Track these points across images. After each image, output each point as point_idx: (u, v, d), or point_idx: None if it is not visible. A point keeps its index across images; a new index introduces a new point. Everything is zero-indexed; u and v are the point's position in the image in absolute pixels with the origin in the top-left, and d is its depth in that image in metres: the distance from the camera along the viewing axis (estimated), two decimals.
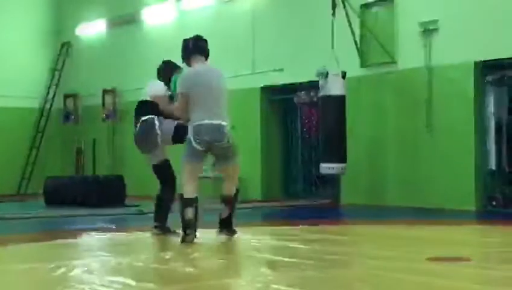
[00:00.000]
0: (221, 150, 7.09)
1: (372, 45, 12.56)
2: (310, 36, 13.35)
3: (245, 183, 14.56)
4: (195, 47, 7.44)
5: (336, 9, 12.09)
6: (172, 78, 7.75)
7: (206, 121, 7.00)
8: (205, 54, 7.46)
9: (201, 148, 7.05)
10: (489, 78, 11.40)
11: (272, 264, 5.83)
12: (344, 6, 12.28)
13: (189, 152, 7.14)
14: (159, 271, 5.44)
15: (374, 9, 12.62)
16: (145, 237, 8.01)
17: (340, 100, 11.96)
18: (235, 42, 15.02)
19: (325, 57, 11.90)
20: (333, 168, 11.88)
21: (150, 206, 11.94)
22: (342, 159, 11.92)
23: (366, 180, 12.60)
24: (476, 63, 11.30)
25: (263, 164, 14.45)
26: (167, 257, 6.16)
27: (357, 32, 12.57)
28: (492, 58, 11.14)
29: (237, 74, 14.42)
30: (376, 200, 12.31)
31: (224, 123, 7.03)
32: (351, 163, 12.05)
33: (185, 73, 7.42)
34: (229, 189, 7.34)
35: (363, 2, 12.59)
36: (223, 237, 7.35)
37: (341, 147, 11.92)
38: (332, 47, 11.87)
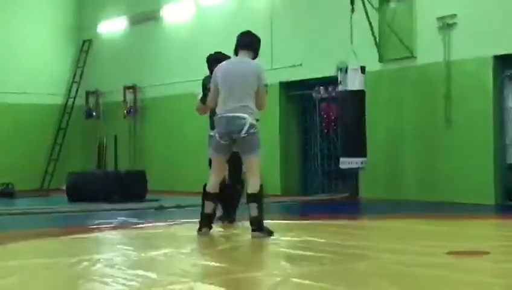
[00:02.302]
0: (240, 142, 6.96)
1: (391, 40, 12.49)
2: (329, 31, 13.30)
3: (264, 178, 14.52)
4: (240, 42, 7.36)
5: (355, 5, 12.05)
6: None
7: (225, 114, 6.98)
8: (250, 48, 7.31)
9: (223, 142, 7.00)
10: (507, 72, 11.31)
11: (291, 258, 5.83)
12: (363, 2, 12.23)
13: (213, 145, 7.15)
14: (180, 265, 5.46)
15: (393, 4, 12.55)
16: (166, 231, 8.04)
17: (360, 95, 11.92)
18: None
19: (344, 52, 11.86)
20: (353, 162, 11.85)
21: (171, 201, 12.08)
22: (362, 153, 11.88)
23: (385, 174, 12.56)
24: (494, 58, 11.21)
25: (282, 159, 14.44)
26: (187, 250, 6.17)
27: (376, 27, 12.51)
28: (510, 52, 11.04)
29: None
30: (395, 194, 12.26)
31: (243, 115, 6.90)
32: (371, 157, 12.01)
33: (217, 67, 7.33)
34: (252, 186, 7.00)
35: None
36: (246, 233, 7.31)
37: (360, 141, 11.88)
38: (351, 42, 11.83)
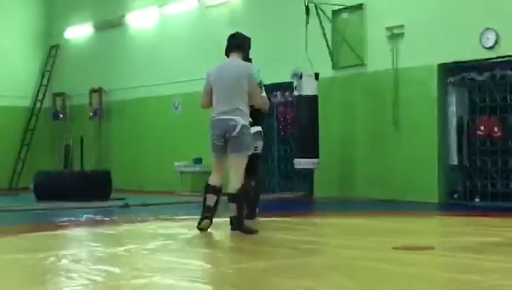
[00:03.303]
0: (231, 141, 6.82)
1: (343, 48, 12.61)
2: (285, 40, 13.36)
3: (224, 177, 14.58)
4: (230, 43, 7.20)
5: (309, 15, 12.12)
6: None
7: (217, 117, 6.90)
8: (240, 48, 7.14)
9: (218, 143, 6.92)
10: (451, 79, 11.49)
11: (247, 252, 5.85)
12: (317, 12, 12.32)
13: (211, 146, 7.07)
14: (144, 260, 5.42)
15: (345, 15, 12.66)
16: (131, 228, 7.98)
17: (313, 100, 12.00)
18: (215, 44, 14.96)
19: (300, 60, 11.92)
20: (305, 163, 11.92)
21: (136, 200, 12.00)
22: (315, 154, 11.96)
23: (337, 174, 12.66)
24: (439, 66, 11.38)
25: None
26: (152, 247, 6.13)
27: (329, 36, 12.61)
28: (454, 60, 11.24)
29: None
30: (347, 193, 12.37)
31: (234, 118, 6.77)
32: (324, 158, 12.09)
33: (210, 69, 7.22)
34: (232, 186, 6.83)
35: (334, 8, 12.62)
36: (205, 228, 7.27)
37: (314, 143, 11.97)
38: (306, 50, 11.89)
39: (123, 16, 17.20)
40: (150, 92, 16.43)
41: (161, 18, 16.43)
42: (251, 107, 7.11)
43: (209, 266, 5.10)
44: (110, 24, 17.51)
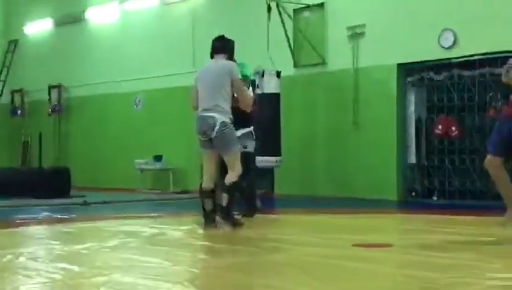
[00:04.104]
0: (215, 141, 6.95)
1: (305, 47, 12.67)
2: (247, 37, 13.31)
3: (185, 174, 14.56)
4: (214, 46, 7.38)
5: (271, 13, 12.14)
6: None
7: (199, 114, 7.04)
8: (223, 51, 7.29)
9: (203, 139, 7.02)
10: (410, 79, 11.64)
11: (209, 251, 5.84)
12: (279, 11, 12.35)
13: (199, 142, 7.16)
14: (104, 258, 5.38)
15: (306, 14, 12.72)
16: (91, 225, 7.90)
17: (275, 98, 12.03)
18: (177, 42, 14.95)
19: (261, 58, 11.93)
20: (267, 161, 11.93)
21: (96, 197, 11.88)
22: (277, 152, 11.99)
23: (298, 172, 12.72)
24: (398, 65, 11.52)
25: (196, 157, 14.40)
26: (112, 244, 6.08)
27: (291, 34, 12.65)
28: (413, 60, 11.39)
29: (178, 72, 14.39)
30: (308, 190, 12.44)
31: (214, 115, 6.89)
32: (285, 156, 12.13)
33: (198, 70, 7.46)
34: (228, 178, 7.00)
35: (296, 7, 12.66)
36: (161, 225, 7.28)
37: (276, 141, 11.99)
38: (268, 48, 11.91)
39: (83, 11, 17.01)
40: (110, 88, 16.28)
41: (122, 14, 16.30)
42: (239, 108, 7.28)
43: (170, 263, 5.08)
44: (70, 19, 17.30)
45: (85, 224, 8.14)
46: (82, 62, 17.08)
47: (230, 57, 7.39)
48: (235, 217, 7.31)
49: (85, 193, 12.68)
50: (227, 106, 6.99)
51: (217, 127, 6.86)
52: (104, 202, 11.28)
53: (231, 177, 6.99)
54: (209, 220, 7.18)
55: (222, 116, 6.90)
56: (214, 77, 7.04)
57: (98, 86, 16.51)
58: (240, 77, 7.18)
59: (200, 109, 7.08)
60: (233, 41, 7.51)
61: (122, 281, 4.45)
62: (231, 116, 7.02)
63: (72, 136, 17.46)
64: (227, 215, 7.02)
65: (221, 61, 7.20)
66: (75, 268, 4.84)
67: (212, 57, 7.33)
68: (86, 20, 17.06)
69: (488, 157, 6.64)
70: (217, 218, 7.17)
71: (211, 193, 7.18)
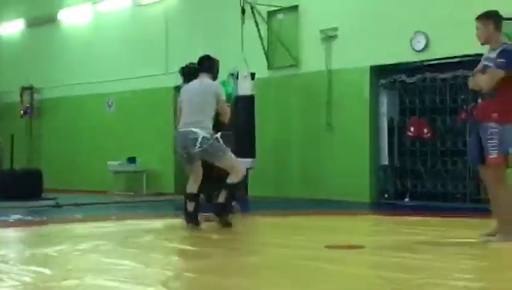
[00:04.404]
0: (202, 155, 7.20)
1: (278, 49, 12.71)
2: (221, 39, 13.35)
3: (159, 177, 14.52)
4: (200, 66, 7.67)
5: (245, 15, 12.16)
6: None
7: (180, 129, 7.30)
8: (209, 70, 7.59)
9: (182, 155, 7.29)
10: (382, 81, 11.73)
11: (183, 254, 5.84)
12: (253, 13, 12.37)
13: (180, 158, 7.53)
14: (75, 261, 5.35)
15: (280, 16, 12.76)
16: (63, 228, 7.84)
17: (250, 100, 12.04)
18: (150, 43, 14.90)
19: (236, 59, 11.94)
20: (243, 162, 11.91)
21: (68, 199, 11.79)
22: (251, 154, 11.99)
23: (272, 174, 12.74)
24: (371, 68, 11.60)
25: (176, 159, 14.37)
26: (83, 247, 6.05)
27: (265, 37, 12.69)
28: (385, 63, 11.47)
29: (152, 74, 14.35)
30: (281, 192, 12.47)
31: (194, 130, 7.12)
32: (259, 158, 12.15)
33: (183, 87, 7.76)
34: (230, 178, 7.28)
35: (269, 10, 12.70)
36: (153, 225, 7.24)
37: (250, 143, 12.00)
38: (242, 50, 11.92)
39: (56, 13, 16.88)
40: (83, 90, 16.17)
41: (95, 15, 16.20)
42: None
43: (142, 266, 5.06)
44: (42, 20, 17.14)
45: (57, 226, 8.08)
46: (55, 63, 16.93)
47: (215, 77, 7.71)
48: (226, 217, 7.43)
49: (57, 195, 12.57)
50: (209, 123, 7.27)
51: (199, 142, 7.09)
52: (76, 204, 11.19)
53: (234, 178, 7.26)
54: (189, 220, 7.34)
55: (203, 132, 7.13)
56: (201, 96, 7.32)
57: (71, 88, 16.38)
58: (224, 97, 7.52)
59: (181, 123, 7.33)
60: (218, 62, 7.83)
61: (94, 284, 4.43)
62: (211, 132, 7.24)
63: (44, 138, 17.30)
64: (222, 212, 7.29)
65: (206, 81, 7.49)
66: (47, 271, 4.81)
67: (196, 76, 7.57)
68: (58, 21, 16.92)
69: (480, 170, 6.39)
70: (200, 218, 7.40)
71: (195, 197, 7.40)
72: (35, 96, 17.27)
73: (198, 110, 7.27)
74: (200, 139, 7.09)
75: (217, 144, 7.22)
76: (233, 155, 7.36)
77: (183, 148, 7.25)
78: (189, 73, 7.99)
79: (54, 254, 5.67)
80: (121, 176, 15.03)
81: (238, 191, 7.58)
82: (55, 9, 16.88)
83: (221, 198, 7.29)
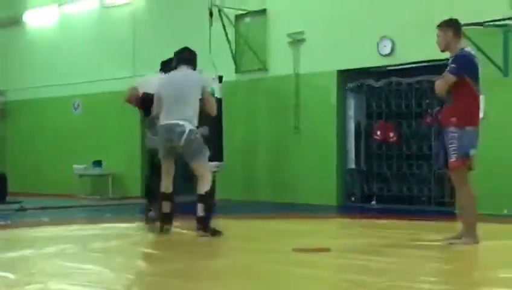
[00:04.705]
0: (181, 149, 6.90)
1: (246, 53, 12.72)
2: (189, 42, 13.13)
3: (125, 180, 14.42)
4: (179, 58, 7.31)
5: (213, 18, 12.15)
6: None
7: (165, 122, 6.98)
8: (190, 62, 7.26)
9: (166, 145, 6.95)
10: (349, 85, 11.82)
11: (146, 258, 5.81)
12: (220, 16, 12.37)
13: (160, 151, 7.11)
14: (40, 265, 5.28)
15: (247, 19, 12.78)
16: (28, 232, 7.74)
17: (217, 103, 11.98)
18: (117, 46, 14.80)
19: (203, 63, 11.88)
20: (209, 166, 11.90)
21: (34, 203, 11.64)
22: (218, 157, 11.98)
23: (240, 177, 12.74)
24: (338, 72, 11.68)
25: (143, 162, 14.28)
26: (49, 251, 5.98)
27: (233, 40, 12.69)
28: (352, 67, 11.56)
29: (119, 76, 14.25)
30: (249, 196, 12.48)
31: (180, 123, 6.84)
32: (227, 161, 12.15)
33: (162, 79, 7.43)
34: (200, 187, 6.92)
35: (237, 13, 12.71)
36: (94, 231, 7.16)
37: (217, 146, 11.98)
38: (210, 53, 11.90)
39: (21, 14, 16.68)
40: (48, 92, 15.99)
41: (61, 17, 16.04)
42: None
43: (107, 270, 5.02)
44: (7, 22, 16.92)
45: (21, 230, 7.97)
46: (20, 66, 16.72)
47: (194, 69, 7.41)
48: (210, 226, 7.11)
49: (22, 198, 12.41)
50: (194, 116, 6.99)
51: (186, 135, 6.83)
52: (41, 208, 11.06)
53: (203, 185, 6.93)
54: (165, 221, 7.15)
55: (190, 125, 6.89)
56: (186, 88, 7.01)
57: (36, 90, 16.19)
58: (209, 88, 7.33)
59: (166, 117, 7.00)
60: (196, 54, 7.50)
61: (58, 288, 4.38)
62: (197, 125, 7.02)
63: (9, 141, 17.07)
64: (205, 226, 6.91)
65: (190, 72, 7.19)
66: (10, 276, 4.75)
67: (176, 67, 7.27)
68: (23, 23, 16.72)
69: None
70: (164, 227, 7.15)
71: (169, 197, 7.18)
72: (1, 98, 17.05)
73: (185, 103, 6.91)
74: (187, 131, 6.80)
75: (201, 142, 6.98)
76: (208, 162, 7.10)
77: (167, 141, 6.90)
78: (170, 68, 7.59)
79: (18, 258, 5.59)
80: (87, 180, 14.90)
81: (212, 199, 7.26)
82: (21, 11, 16.68)
83: (200, 212, 6.91)
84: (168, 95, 7.05)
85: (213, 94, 8.06)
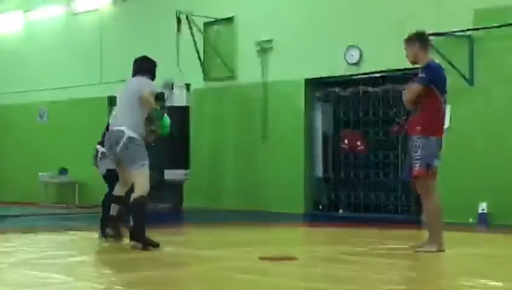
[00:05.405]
0: (120, 155, 6.74)
1: (214, 60, 12.74)
2: (157, 49, 13.19)
3: (91, 188, 14.28)
4: (137, 67, 7.18)
5: (181, 26, 12.15)
6: None
7: (110, 129, 6.91)
8: (147, 72, 7.11)
9: (109, 156, 6.89)
10: (317, 94, 11.89)
11: (113, 265, 5.77)
12: (189, 24, 12.38)
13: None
14: (2, 275, 5.22)
15: (216, 27, 12.80)
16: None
17: (184, 111, 12.03)
18: (84, 53, 14.71)
19: (171, 70, 11.91)
20: (177, 173, 11.91)
21: (6, 210, 11.47)
22: (185, 165, 11.97)
23: (207, 185, 12.73)
24: (306, 80, 11.75)
25: None
26: (11, 261, 5.90)
27: (201, 47, 12.70)
28: (320, 76, 11.64)
29: (85, 83, 14.16)
30: (216, 204, 12.47)
31: (122, 128, 6.71)
32: (194, 169, 12.13)
33: None
34: (131, 197, 6.69)
35: (205, 21, 12.72)
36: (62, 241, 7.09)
37: (184, 154, 11.97)
38: (178, 60, 11.90)
39: None
40: (13, 99, 15.81)
41: (26, 23, 15.90)
42: None
43: (72, 279, 4.98)
44: None
45: None
46: None
47: (153, 79, 7.25)
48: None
49: None
50: (138, 122, 6.82)
51: (123, 141, 6.70)
52: (5, 216, 10.92)
53: (133, 195, 6.72)
54: (108, 224, 7.01)
55: (131, 132, 6.73)
56: (128, 94, 6.94)
57: (2, 96, 16.01)
58: (150, 90, 6.88)
59: (111, 125, 6.97)
60: (156, 63, 7.35)
61: None
62: (141, 132, 6.84)
63: None
64: (137, 237, 6.67)
65: (136, 78, 7.08)
66: None
67: (133, 76, 7.17)
68: None
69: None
70: (109, 230, 7.02)
71: (117, 200, 7.04)
72: None
73: (128, 109, 6.81)
74: (124, 138, 6.66)
75: (140, 150, 6.75)
76: (147, 172, 6.78)
77: (109, 148, 6.82)
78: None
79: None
80: (53, 187, 14.75)
81: (142, 208, 6.94)
82: None
83: (131, 223, 6.66)
84: (117, 102, 7.08)
85: (161, 96, 7.76)
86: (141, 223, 6.66)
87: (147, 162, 6.77)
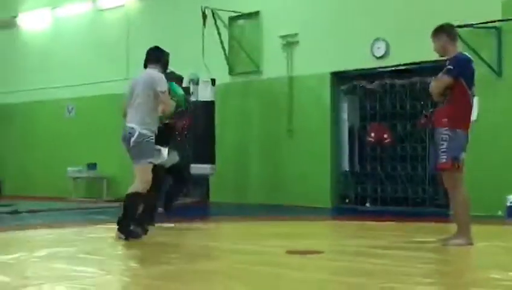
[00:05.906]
0: (130, 150, 6.90)
1: (240, 55, 12.74)
2: (182, 44, 13.32)
3: (119, 183, 14.39)
4: (147, 57, 7.27)
5: (206, 21, 12.18)
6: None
7: (125, 124, 6.98)
8: (158, 62, 7.19)
9: (125, 148, 6.96)
10: (343, 87, 11.84)
11: (141, 260, 5.81)
12: (214, 18, 12.40)
13: None
14: (33, 268, 5.29)
15: (241, 22, 12.80)
16: (20, 235, 7.73)
17: (210, 105, 12.06)
18: (110, 49, 14.80)
19: (197, 65, 11.95)
20: (203, 168, 11.94)
21: (26, 206, 11.61)
22: (211, 160, 12.00)
23: (233, 180, 12.75)
24: (331, 74, 11.70)
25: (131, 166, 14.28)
26: (41, 254, 5.98)
27: (226, 42, 12.71)
28: (346, 69, 11.59)
29: (112, 79, 14.25)
30: (242, 198, 12.49)
31: (134, 126, 6.81)
32: (220, 164, 12.16)
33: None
34: (129, 189, 6.94)
35: (231, 15, 12.73)
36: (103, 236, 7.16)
37: (210, 149, 12.00)
38: (203, 55, 11.92)
39: (14, 17, 16.67)
40: (42, 95, 15.98)
41: (54, 20, 16.04)
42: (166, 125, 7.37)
43: (102, 272, 5.03)
44: (0, 25, 16.90)
45: (15, 233, 7.96)
46: (12, 68, 16.71)
47: (164, 70, 7.32)
48: (131, 228, 7.00)
49: (16, 201, 12.40)
50: (149, 118, 6.89)
51: (134, 138, 6.80)
52: (35, 211, 11.04)
53: (131, 188, 6.91)
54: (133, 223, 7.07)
55: (141, 128, 6.82)
56: (141, 89, 6.94)
57: (30, 93, 16.18)
58: (165, 88, 6.98)
59: (125, 120, 7.03)
60: (168, 54, 7.42)
61: None
62: (153, 129, 6.91)
63: (2, 144, 17.03)
64: (123, 226, 6.87)
65: (148, 71, 7.11)
66: (5, 279, 4.75)
67: (145, 67, 7.23)
68: (17, 26, 16.71)
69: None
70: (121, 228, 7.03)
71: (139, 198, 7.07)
72: None
73: (140, 104, 6.85)
74: (136, 134, 6.76)
75: (148, 146, 6.84)
76: (150, 169, 6.86)
77: (123, 143, 6.93)
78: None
79: (12, 261, 5.59)
80: (81, 182, 14.89)
81: (137, 203, 7.02)
82: (14, 14, 16.67)
83: (121, 213, 6.92)
84: (128, 96, 7.05)
85: (176, 92, 7.86)
86: (129, 217, 6.88)
87: (152, 160, 6.90)
